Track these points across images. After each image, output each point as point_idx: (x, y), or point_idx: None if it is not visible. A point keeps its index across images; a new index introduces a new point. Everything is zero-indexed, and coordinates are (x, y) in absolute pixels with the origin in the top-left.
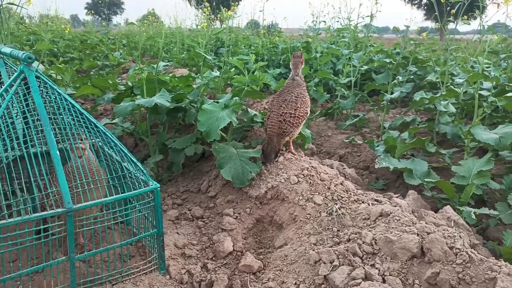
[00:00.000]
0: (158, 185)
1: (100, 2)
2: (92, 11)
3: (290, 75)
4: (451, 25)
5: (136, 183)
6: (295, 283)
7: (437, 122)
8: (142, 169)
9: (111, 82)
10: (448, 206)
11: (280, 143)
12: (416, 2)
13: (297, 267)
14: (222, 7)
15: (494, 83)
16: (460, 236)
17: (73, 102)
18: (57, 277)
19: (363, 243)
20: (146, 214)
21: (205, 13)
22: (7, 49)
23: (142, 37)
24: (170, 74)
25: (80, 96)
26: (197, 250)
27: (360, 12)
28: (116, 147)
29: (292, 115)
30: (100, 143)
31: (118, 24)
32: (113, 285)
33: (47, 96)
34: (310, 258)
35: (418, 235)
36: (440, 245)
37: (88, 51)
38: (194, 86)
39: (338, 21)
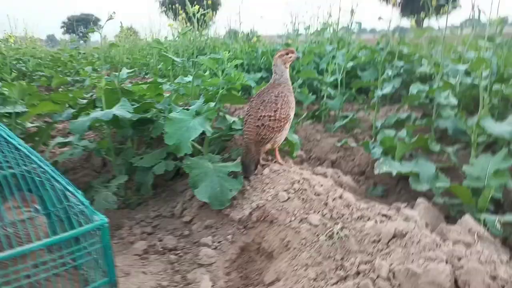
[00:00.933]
0: (105, 220)
1: (76, 21)
2: (68, 30)
3: (273, 76)
4: (426, 22)
5: (82, 218)
6: None
7: (435, 117)
8: (83, 200)
9: (71, 96)
10: (467, 215)
11: (259, 152)
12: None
13: None
14: (189, 4)
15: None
16: (500, 261)
17: (9, 134)
18: None
19: (378, 277)
20: (95, 258)
21: (181, 21)
22: None
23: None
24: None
25: (38, 115)
26: None
27: (340, 7)
28: (60, 177)
29: (271, 117)
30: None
31: (96, 41)
32: None
33: None
34: None
35: (447, 262)
36: (480, 276)
37: (60, 68)
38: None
39: (317, 20)
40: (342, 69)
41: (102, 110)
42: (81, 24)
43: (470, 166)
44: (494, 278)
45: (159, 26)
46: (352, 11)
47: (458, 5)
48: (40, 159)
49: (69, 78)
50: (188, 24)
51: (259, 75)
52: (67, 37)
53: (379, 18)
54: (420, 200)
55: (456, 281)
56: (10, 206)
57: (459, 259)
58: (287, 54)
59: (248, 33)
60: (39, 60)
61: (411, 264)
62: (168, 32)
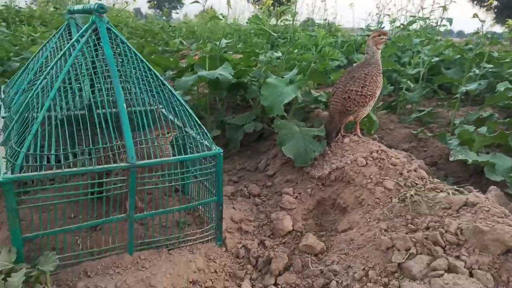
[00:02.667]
0: (221, 150)
1: None
2: (155, 2)
3: (364, 56)
4: None
5: (199, 148)
6: (363, 269)
7: None
8: (206, 132)
9: (172, 60)
10: None
11: (342, 122)
12: (485, 4)
13: (365, 252)
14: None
15: None
16: None
17: (141, 57)
18: (114, 236)
19: (446, 231)
20: (205, 182)
21: (261, 9)
22: (79, 6)
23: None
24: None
25: None
26: (254, 227)
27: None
28: (182, 107)
29: (358, 92)
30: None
31: (178, 18)
32: (169, 249)
33: (117, 49)
34: (381, 243)
35: None
36: None
37: (149, 39)
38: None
39: (404, 15)
40: (426, 63)
41: (201, 73)
42: (166, 1)
43: None
44: None
45: (242, 8)
46: (444, 7)
47: None
48: (180, 98)
49: (159, 48)
50: (272, 8)
51: (336, 63)
52: (151, 11)
53: (474, 15)
54: (493, 187)
55: None
56: (158, 132)
57: None
58: (379, 35)
59: (326, 23)
60: (131, 29)
61: (479, 224)
62: (229, 10)
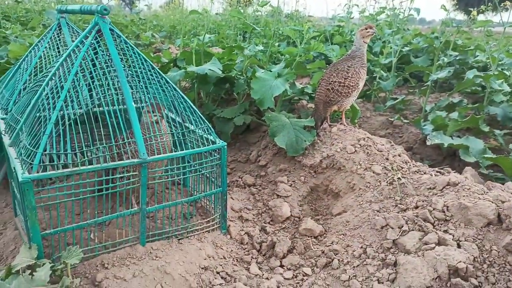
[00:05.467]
0: (225, 143)
1: None
2: None
3: (352, 48)
4: (480, 17)
5: (201, 142)
6: (361, 247)
7: (486, 103)
8: (210, 127)
9: (154, 56)
10: (510, 182)
11: (326, 111)
12: None
13: (361, 232)
14: None
15: None
16: None
17: (145, 57)
18: (127, 229)
19: (434, 209)
20: (207, 174)
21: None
22: (75, 6)
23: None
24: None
25: None
26: (253, 215)
27: None
28: (186, 103)
29: (341, 84)
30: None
31: (141, 10)
32: (179, 239)
33: (121, 49)
34: (376, 223)
35: (492, 202)
36: None
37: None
38: (237, 60)
39: (372, 5)
40: (398, 52)
41: (181, 69)
42: None
43: None
44: None
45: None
46: None
47: None
48: (183, 95)
49: (131, 42)
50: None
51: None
52: (112, 2)
53: (442, 6)
54: (468, 168)
55: (499, 215)
56: (165, 125)
57: (503, 202)
58: (366, 29)
59: (291, 13)
60: None
61: (463, 200)
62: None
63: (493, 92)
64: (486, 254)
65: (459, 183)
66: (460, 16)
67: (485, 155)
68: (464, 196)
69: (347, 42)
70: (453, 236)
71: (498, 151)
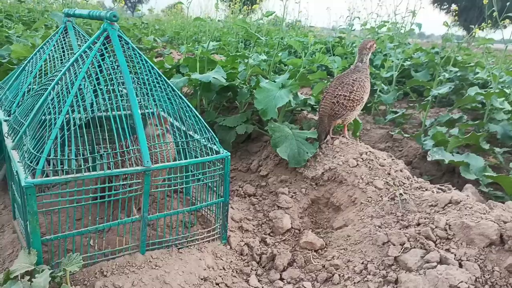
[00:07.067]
0: (229, 153)
1: None
2: None
3: (354, 62)
4: (480, 34)
5: (205, 151)
6: (362, 263)
7: (486, 120)
8: (214, 136)
9: (156, 62)
10: (510, 201)
11: (330, 125)
12: (445, 7)
13: (362, 247)
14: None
15: None
16: None
17: (152, 64)
18: (127, 237)
19: (436, 227)
20: (209, 183)
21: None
22: (84, 11)
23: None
24: None
25: None
26: (254, 225)
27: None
28: (192, 112)
29: (346, 97)
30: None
31: (143, 14)
32: (179, 248)
33: (128, 56)
34: (377, 239)
35: (495, 222)
36: None
37: None
38: (239, 69)
39: (374, 19)
40: (399, 66)
41: (184, 76)
42: None
43: None
44: None
45: (210, 7)
46: (414, 12)
47: None
48: (189, 104)
49: None
50: (236, 6)
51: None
52: (116, 6)
53: (445, 23)
54: (468, 185)
55: (501, 235)
56: (171, 136)
57: (505, 222)
58: (369, 44)
59: (293, 22)
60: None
61: (466, 220)
62: (219, 15)
63: (494, 110)
64: (488, 274)
65: (461, 201)
66: (460, 31)
67: (486, 173)
68: (466, 215)
69: (348, 54)
70: (455, 255)
71: (497, 169)
